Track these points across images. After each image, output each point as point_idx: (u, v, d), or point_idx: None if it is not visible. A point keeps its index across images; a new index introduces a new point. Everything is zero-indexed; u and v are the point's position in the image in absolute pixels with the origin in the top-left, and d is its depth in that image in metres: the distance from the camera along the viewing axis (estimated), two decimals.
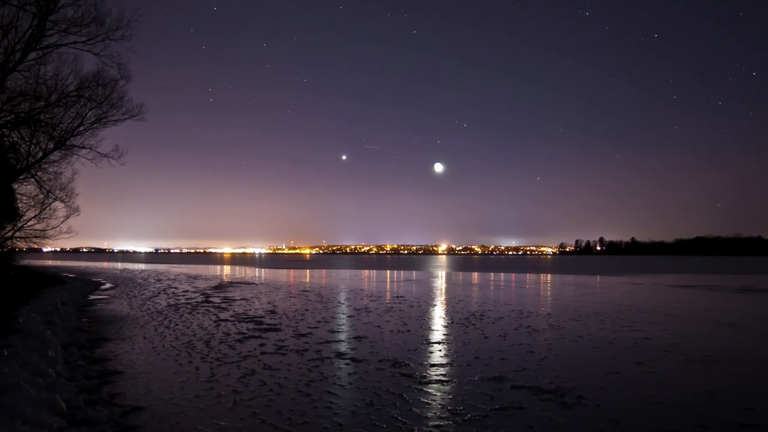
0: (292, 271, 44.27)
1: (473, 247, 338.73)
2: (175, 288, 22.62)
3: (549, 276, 35.70)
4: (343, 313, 13.31)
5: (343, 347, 8.63)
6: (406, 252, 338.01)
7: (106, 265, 59.79)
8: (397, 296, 18.66)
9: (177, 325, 11.23)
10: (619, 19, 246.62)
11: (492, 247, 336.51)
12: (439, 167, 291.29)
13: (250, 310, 14.18)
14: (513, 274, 37.88)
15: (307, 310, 14.14)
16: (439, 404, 5.46)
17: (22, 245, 27.34)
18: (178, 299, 17.23)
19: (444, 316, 12.97)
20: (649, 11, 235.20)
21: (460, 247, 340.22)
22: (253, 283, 26.20)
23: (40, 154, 17.42)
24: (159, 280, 28.51)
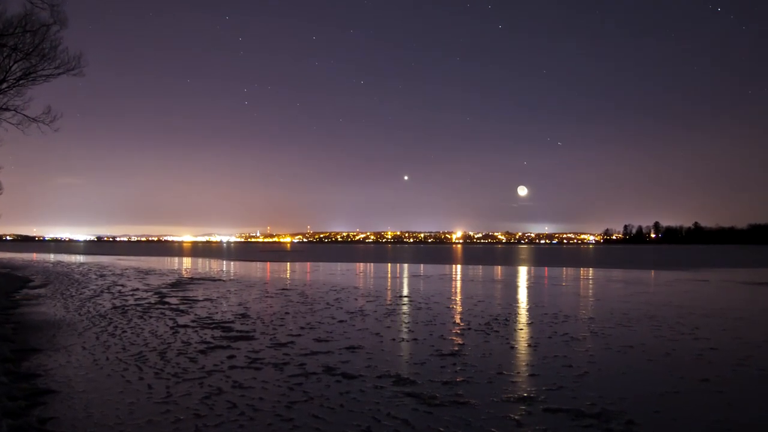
0: (268, 264, 44.42)
1: (496, 234, 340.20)
2: (121, 285, 22.69)
3: (591, 270, 35.83)
4: (333, 317, 13.36)
5: (332, 360, 8.66)
6: (411, 240, 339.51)
7: (35, 256, 59.99)
8: (400, 296, 18.73)
9: (124, 332, 11.26)
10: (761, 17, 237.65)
11: (519, 234, 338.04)
12: (523, 190, 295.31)
13: (217, 313, 14.23)
14: (545, 268, 38.02)
15: (287, 313, 14.19)
16: (453, 431, 5.47)
17: None
18: (126, 300, 17.28)
19: (459, 320, 13.01)
20: None
21: (480, 235, 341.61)
22: (219, 280, 26.29)
23: None
24: (102, 276, 28.60)
